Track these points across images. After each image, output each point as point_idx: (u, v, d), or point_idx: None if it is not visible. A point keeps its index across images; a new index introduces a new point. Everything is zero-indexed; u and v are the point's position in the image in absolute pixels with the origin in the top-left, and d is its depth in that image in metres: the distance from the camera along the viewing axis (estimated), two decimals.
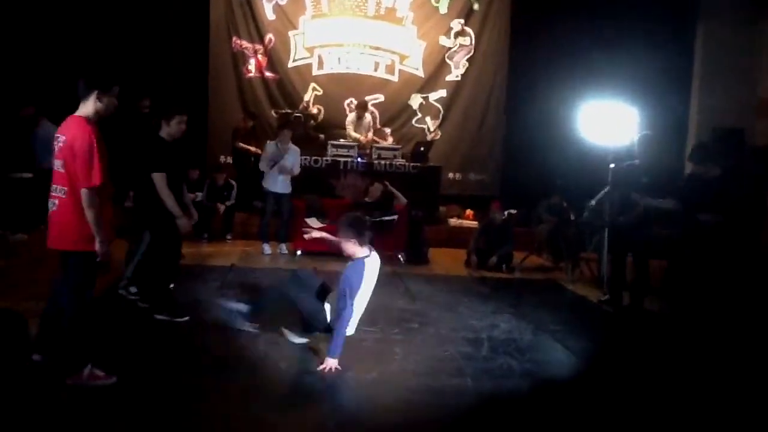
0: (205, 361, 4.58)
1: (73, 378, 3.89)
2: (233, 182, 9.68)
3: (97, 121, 3.88)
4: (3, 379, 3.85)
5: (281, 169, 8.42)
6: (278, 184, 8.51)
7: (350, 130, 10.85)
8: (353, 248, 4.68)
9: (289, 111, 11.14)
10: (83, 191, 3.73)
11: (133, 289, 5.90)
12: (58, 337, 3.98)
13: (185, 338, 5.07)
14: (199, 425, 3.55)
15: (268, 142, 8.94)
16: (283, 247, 8.70)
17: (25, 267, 6.36)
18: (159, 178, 5.28)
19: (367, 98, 11.45)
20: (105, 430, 3.45)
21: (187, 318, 5.43)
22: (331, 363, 4.39)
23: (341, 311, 4.54)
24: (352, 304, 4.52)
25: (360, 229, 4.68)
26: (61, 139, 3.81)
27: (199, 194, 9.30)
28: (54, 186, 3.86)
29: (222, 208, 9.38)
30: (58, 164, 3.82)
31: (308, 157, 9.92)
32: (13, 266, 6.51)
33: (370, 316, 5.57)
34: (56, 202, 3.84)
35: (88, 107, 3.87)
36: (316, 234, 5.33)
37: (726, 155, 6.57)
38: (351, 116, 11.00)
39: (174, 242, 5.56)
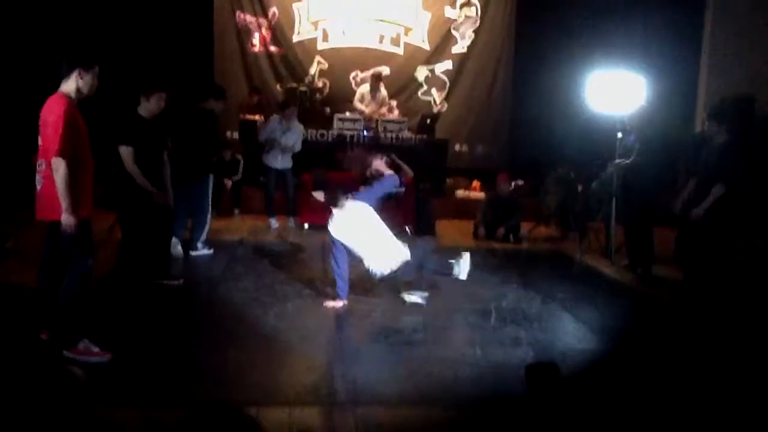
0: (214, 331, 4.64)
1: (69, 351, 3.96)
2: (240, 157, 9.71)
3: (77, 99, 3.96)
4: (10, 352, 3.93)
5: (282, 148, 8.46)
6: (278, 160, 8.54)
7: (356, 101, 10.81)
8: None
9: (294, 85, 11.11)
10: (52, 160, 3.81)
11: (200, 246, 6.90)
12: (57, 309, 4.03)
13: (196, 311, 5.13)
14: (211, 393, 3.60)
15: (271, 117, 8.93)
16: (291, 221, 8.75)
17: (39, 243, 6.41)
18: (125, 153, 5.31)
19: (373, 70, 11.37)
20: (123, 393, 3.52)
21: (181, 280, 5.77)
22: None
23: None
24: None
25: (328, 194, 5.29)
26: (41, 116, 3.92)
27: None
28: (39, 161, 3.97)
29: (229, 183, 9.41)
30: (40, 140, 3.94)
31: (314, 131, 9.91)
32: (28, 243, 6.56)
33: (377, 288, 5.64)
34: (42, 176, 3.95)
35: (69, 85, 3.96)
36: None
37: (737, 122, 6.45)
38: (364, 87, 10.91)
39: (149, 216, 5.52)
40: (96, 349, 4.01)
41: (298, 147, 8.65)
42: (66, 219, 3.85)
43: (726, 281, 5.84)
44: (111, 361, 3.97)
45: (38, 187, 3.99)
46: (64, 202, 3.83)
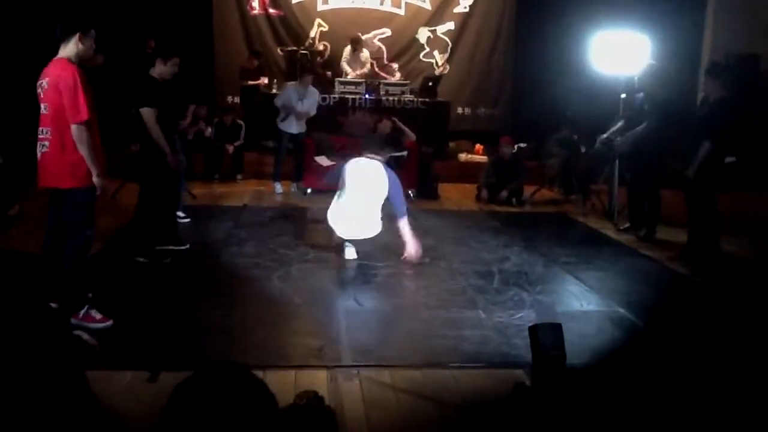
0: (219, 296, 4.67)
1: (73, 318, 3.96)
2: (241, 122, 9.66)
3: (78, 63, 3.89)
4: (26, 322, 3.94)
5: (297, 115, 8.45)
6: (294, 125, 8.52)
7: (344, 64, 10.80)
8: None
9: (294, 48, 10.99)
10: (73, 127, 3.77)
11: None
12: (60, 277, 4.04)
13: (199, 275, 5.15)
14: (213, 355, 3.62)
15: (287, 84, 8.89)
16: (295, 186, 8.76)
17: (43, 210, 6.43)
18: (148, 114, 5.33)
19: (373, 33, 11.33)
20: (120, 361, 3.55)
21: (187, 246, 5.72)
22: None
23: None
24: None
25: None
26: (44, 83, 3.85)
27: (209, 129, 9.30)
28: (41, 128, 3.91)
29: (231, 148, 9.38)
30: (43, 107, 3.87)
31: (318, 92, 9.86)
32: (32, 210, 6.58)
33: (381, 252, 5.66)
34: (46, 143, 3.89)
35: (69, 49, 3.88)
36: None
37: (737, 81, 6.37)
38: (346, 50, 10.89)
39: (171, 180, 5.64)
40: (99, 316, 4.02)
41: (313, 112, 8.65)
42: (99, 182, 3.88)
43: (714, 238, 5.86)
44: (119, 325, 4.00)
45: (39, 154, 3.94)
46: (94, 168, 3.84)
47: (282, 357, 3.72)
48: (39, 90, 3.89)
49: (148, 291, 4.72)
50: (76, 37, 3.86)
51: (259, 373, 3.35)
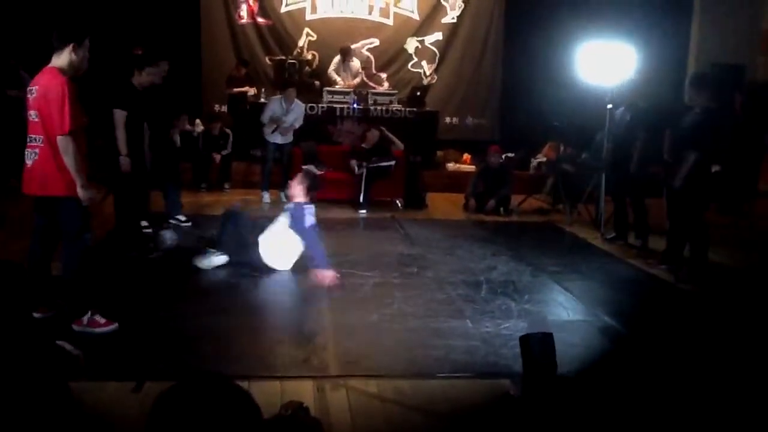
0: (205, 305, 4.63)
1: (76, 324, 3.97)
2: (228, 131, 9.63)
3: (72, 73, 3.89)
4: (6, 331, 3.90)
5: (282, 131, 8.48)
6: (279, 135, 8.52)
7: (332, 73, 10.81)
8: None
9: (283, 57, 11.00)
10: (58, 138, 3.77)
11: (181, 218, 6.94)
12: (58, 285, 4.02)
13: (184, 284, 5.11)
14: (197, 364, 3.60)
15: (272, 98, 8.90)
16: (283, 195, 8.73)
17: (25, 215, 6.36)
18: (119, 115, 5.53)
19: (361, 42, 11.36)
20: (105, 371, 3.51)
21: (160, 253, 5.77)
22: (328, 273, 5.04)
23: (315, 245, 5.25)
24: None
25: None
26: (34, 90, 3.86)
27: (199, 122, 9.40)
28: (31, 136, 3.91)
29: (218, 157, 9.34)
30: (33, 114, 3.88)
31: (304, 104, 9.85)
32: (13, 215, 6.51)
33: (368, 261, 5.64)
34: (37, 151, 3.89)
35: (62, 59, 3.89)
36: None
37: (722, 91, 6.40)
38: (335, 59, 10.90)
39: (140, 184, 5.89)
40: (103, 321, 4.02)
41: (299, 123, 8.69)
42: (83, 194, 3.86)
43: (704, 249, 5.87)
44: (102, 334, 3.96)
45: (28, 161, 3.93)
46: (78, 178, 3.82)
47: (267, 367, 3.69)
48: (29, 96, 3.90)
49: (132, 300, 4.67)
50: (70, 47, 3.87)
51: (244, 384, 3.33)
